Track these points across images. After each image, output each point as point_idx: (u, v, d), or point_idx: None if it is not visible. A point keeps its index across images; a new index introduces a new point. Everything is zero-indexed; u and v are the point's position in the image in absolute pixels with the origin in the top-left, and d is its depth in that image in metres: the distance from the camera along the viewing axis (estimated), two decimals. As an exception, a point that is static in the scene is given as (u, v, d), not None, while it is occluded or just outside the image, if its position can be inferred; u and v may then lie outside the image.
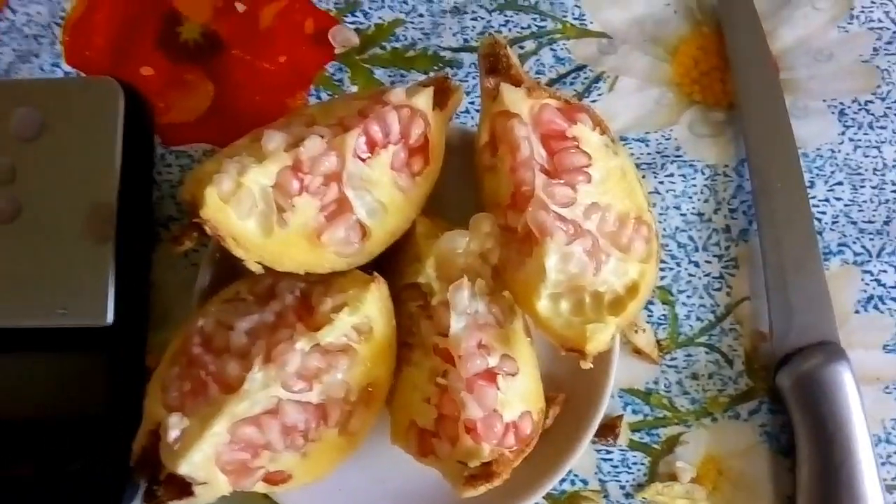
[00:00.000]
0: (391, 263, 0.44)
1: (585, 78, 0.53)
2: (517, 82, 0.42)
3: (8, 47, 0.53)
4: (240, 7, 0.54)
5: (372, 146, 0.41)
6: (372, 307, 0.40)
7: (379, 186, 0.41)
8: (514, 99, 0.42)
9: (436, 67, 0.53)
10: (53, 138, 0.45)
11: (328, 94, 0.53)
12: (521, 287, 0.41)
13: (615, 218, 0.42)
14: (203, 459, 0.37)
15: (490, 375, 0.39)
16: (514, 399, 0.40)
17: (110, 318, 0.44)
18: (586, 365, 0.40)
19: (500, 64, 0.42)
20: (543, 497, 0.47)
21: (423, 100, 0.42)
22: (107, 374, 0.45)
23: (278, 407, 0.39)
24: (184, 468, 0.37)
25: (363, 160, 0.41)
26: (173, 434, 0.37)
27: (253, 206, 0.39)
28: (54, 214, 0.44)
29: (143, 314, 0.48)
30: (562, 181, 0.41)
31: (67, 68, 0.53)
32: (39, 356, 0.45)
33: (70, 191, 0.45)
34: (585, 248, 0.40)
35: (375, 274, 0.41)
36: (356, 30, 0.54)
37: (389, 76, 0.53)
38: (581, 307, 0.41)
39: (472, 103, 0.52)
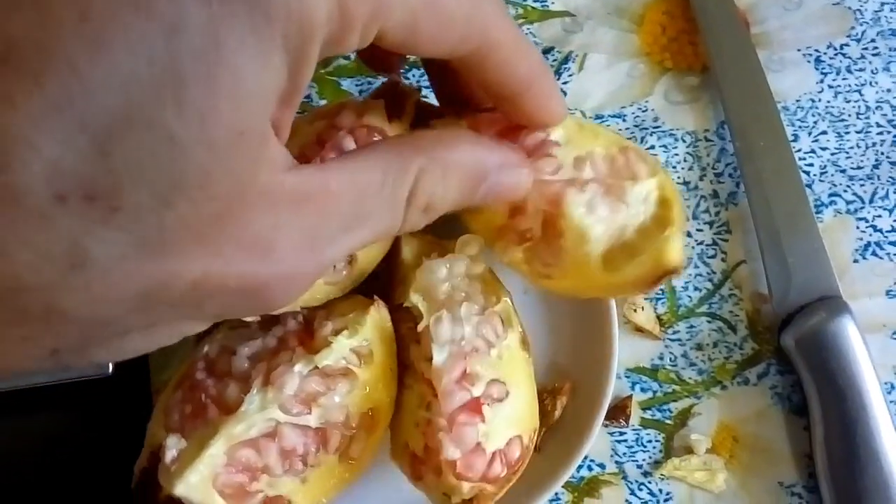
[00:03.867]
0: (385, 281, 0.44)
1: (554, 60, 0.52)
2: (437, 115, 0.41)
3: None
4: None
5: None
6: (371, 331, 0.40)
7: None
8: None
9: (403, 70, 0.53)
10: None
11: (298, 113, 0.52)
12: (577, 272, 0.39)
13: (602, 160, 0.40)
14: (200, 481, 0.37)
15: (474, 406, 0.39)
16: (500, 426, 0.39)
17: (110, 369, 0.44)
18: (665, 281, 0.38)
19: (410, 111, 0.42)
20: (563, 486, 0.47)
21: (377, 117, 0.41)
22: (112, 420, 0.46)
23: (277, 430, 0.38)
24: (180, 489, 0.36)
25: None
26: (170, 455, 0.37)
27: None
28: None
29: (143, 358, 0.49)
30: (532, 158, 0.40)
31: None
32: (52, 413, 0.46)
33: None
34: (600, 191, 0.39)
35: (376, 298, 0.41)
36: (318, 43, 0.53)
37: (357, 85, 0.53)
38: (635, 247, 0.39)
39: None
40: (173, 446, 0.38)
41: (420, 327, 0.40)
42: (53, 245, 0.20)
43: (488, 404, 0.39)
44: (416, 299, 0.41)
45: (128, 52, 0.20)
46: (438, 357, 0.39)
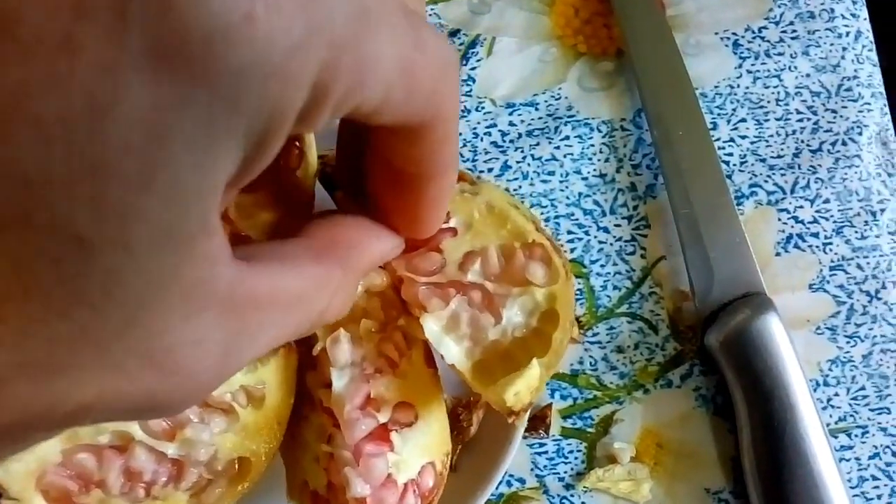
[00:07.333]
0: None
1: (461, 44, 0.49)
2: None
3: None
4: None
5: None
6: (272, 375, 0.35)
7: None
8: None
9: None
10: None
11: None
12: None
13: (497, 256, 0.36)
14: (24, 472, 0.32)
15: (382, 434, 0.35)
16: (411, 455, 0.35)
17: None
18: (518, 422, 0.35)
19: None
20: (480, 506, 0.44)
21: None
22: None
23: (129, 446, 0.34)
24: None
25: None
26: None
27: None
28: None
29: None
30: (421, 250, 0.35)
31: None
32: None
33: None
34: (473, 301, 0.35)
35: (292, 344, 0.36)
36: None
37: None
38: (509, 359, 0.35)
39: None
40: None
41: (316, 350, 0.36)
42: None
43: (397, 430, 0.35)
44: None
45: (37, 140, 0.15)
46: (338, 383, 0.35)
